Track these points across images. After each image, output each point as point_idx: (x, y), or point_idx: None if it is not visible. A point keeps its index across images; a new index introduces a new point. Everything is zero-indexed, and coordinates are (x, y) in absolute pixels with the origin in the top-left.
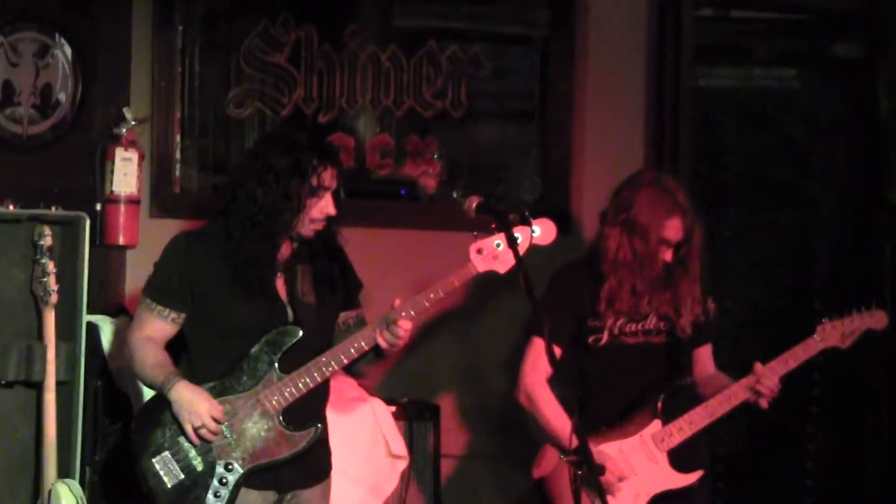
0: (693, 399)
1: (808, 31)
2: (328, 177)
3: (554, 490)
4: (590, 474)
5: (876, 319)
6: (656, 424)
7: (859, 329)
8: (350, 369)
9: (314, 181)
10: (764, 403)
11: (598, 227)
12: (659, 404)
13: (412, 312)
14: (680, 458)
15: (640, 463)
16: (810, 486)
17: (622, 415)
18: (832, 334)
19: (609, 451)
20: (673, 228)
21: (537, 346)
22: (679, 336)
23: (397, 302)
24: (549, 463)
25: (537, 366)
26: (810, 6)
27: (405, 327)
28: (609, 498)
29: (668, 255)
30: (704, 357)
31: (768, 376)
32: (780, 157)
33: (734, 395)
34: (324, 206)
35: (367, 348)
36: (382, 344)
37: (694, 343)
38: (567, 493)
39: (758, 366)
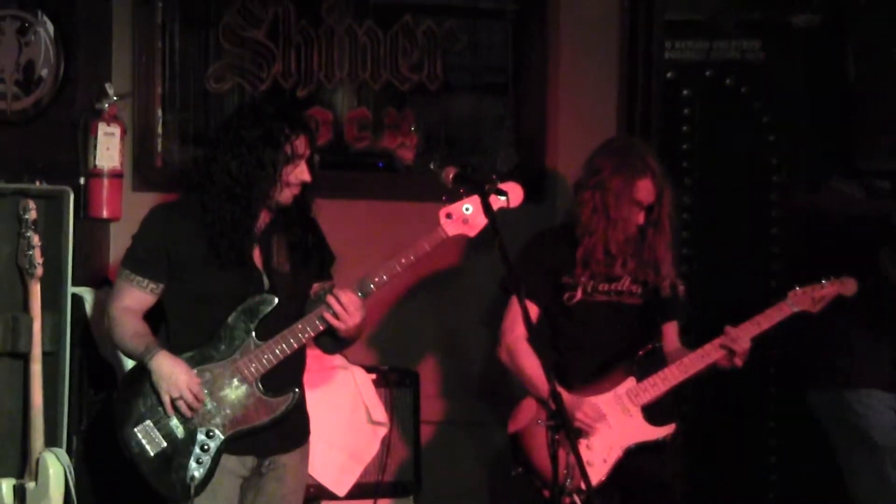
0: (664, 362)
1: (768, 3)
2: (300, 144)
3: (528, 442)
4: (568, 437)
5: (847, 286)
6: (631, 381)
7: (830, 294)
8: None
9: (287, 150)
10: (738, 361)
11: (571, 196)
12: (633, 363)
13: (384, 277)
14: (653, 412)
15: (613, 416)
16: (773, 463)
17: (596, 373)
18: (803, 299)
19: (582, 406)
20: (644, 189)
21: (516, 304)
22: (654, 299)
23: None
24: (525, 417)
25: (517, 323)
26: None
27: (345, 299)
28: (584, 449)
29: (640, 218)
30: (671, 333)
31: (741, 336)
32: (744, 128)
33: (707, 354)
34: (299, 173)
35: (321, 326)
36: (332, 322)
37: (663, 317)
38: (542, 445)
39: (729, 328)
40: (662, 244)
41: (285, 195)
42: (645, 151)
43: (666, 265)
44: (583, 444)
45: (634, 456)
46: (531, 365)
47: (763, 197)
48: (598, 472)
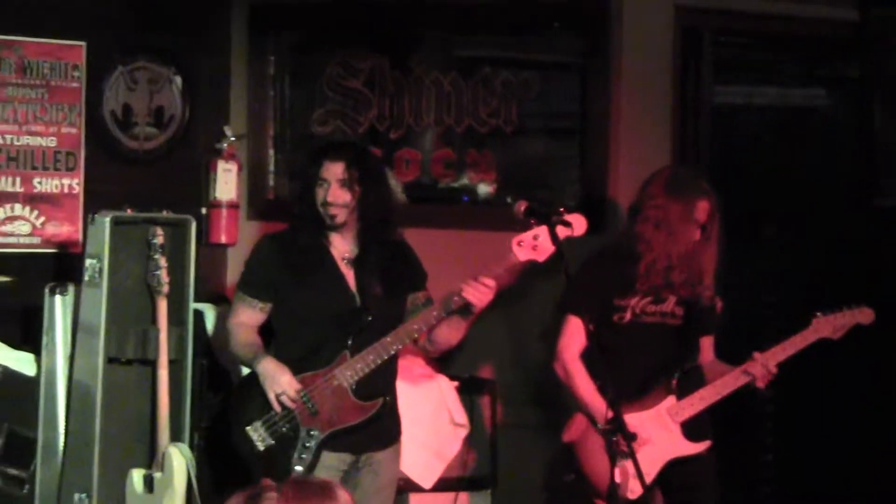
0: (700, 379)
1: (809, 51)
2: (327, 169)
3: (581, 452)
4: (624, 441)
5: (864, 315)
6: (672, 399)
7: (849, 323)
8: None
9: (317, 173)
10: (761, 384)
11: (627, 220)
12: (674, 382)
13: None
14: (691, 429)
15: (656, 432)
16: (769, 461)
17: (640, 390)
18: (825, 327)
19: (631, 421)
20: (702, 210)
21: (572, 322)
22: (694, 316)
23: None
24: (578, 429)
25: (572, 340)
26: (807, 30)
27: (488, 283)
28: (628, 462)
29: (696, 235)
30: (707, 346)
31: (768, 362)
32: (785, 167)
33: (737, 377)
34: (323, 193)
35: (426, 330)
36: (471, 298)
37: (701, 330)
38: (592, 455)
39: (756, 354)
40: (708, 256)
41: (330, 215)
42: (699, 175)
43: (708, 276)
44: (627, 462)
45: (672, 466)
46: (583, 382)
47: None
48: (640, 486)
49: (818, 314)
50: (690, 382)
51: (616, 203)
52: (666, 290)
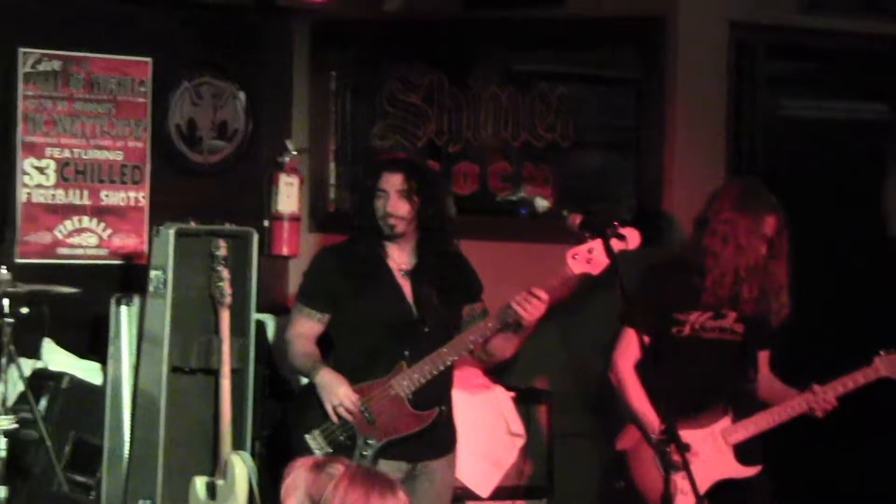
0: (754, 399)
1: (863, 66)
2: (386, 181)
3: (632, 462)
4: (676, 452)
5: None
6: (727, 420)
7: None
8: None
9: (376, 184)
10: (819, 413)
11: (692, 233)
12: (731, 402)
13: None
14: (743, 452)
15: (706, 452)
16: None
17: (696, 407)
18: (886, 366)
19: (684, 437)
20: (770, 224)
21: (628, 334)
22: (753, 332)
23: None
24: (631, 439)
25: (627, 351)
26: (861, 46)
27: (542, 296)
28: (679, 479)
29: (763, 249)
30: (762, 361)
31: (828, 395)
32: (840, 181)
33: (796, 406)
34: (382, 205)
35: (481, 342)
36: (522, 313)
37: (759, 345)
38: (643, 465)
39: (816, 386)
40: (781, 272)
41: (384, 226)
42: (766, 191)
43: (785, 292)
44: (677, 476)
45: (722, 489)
46: (636, 393)
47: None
48: (694, 499)
49: (881, 353)
50: (746, 403)
51: (671, 216)
52: (728, 306)
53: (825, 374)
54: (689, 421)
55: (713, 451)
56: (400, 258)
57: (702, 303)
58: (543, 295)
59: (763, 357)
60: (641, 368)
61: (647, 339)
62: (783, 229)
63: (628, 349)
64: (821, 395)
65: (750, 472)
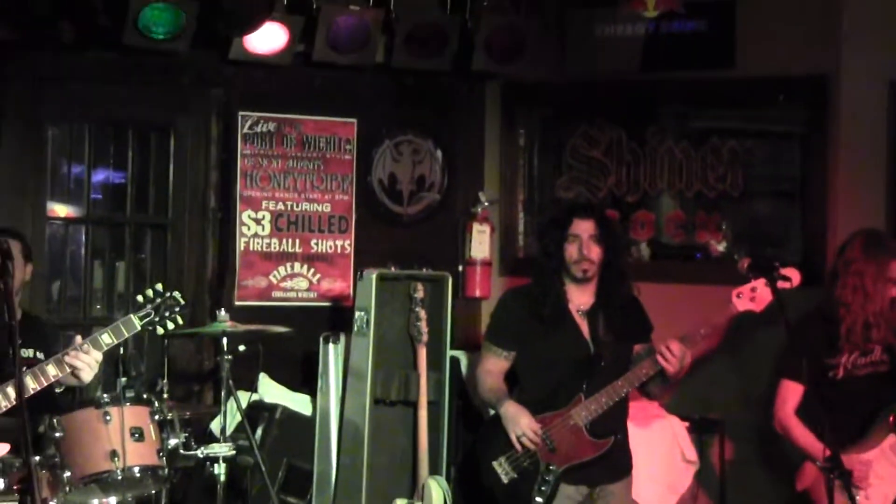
0: None
1: None
2: (578, 226)
3: (817, 498)
4: (841, 476)
5: None
6: (893, 437)
7: None
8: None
9: (566, 231)
10: None
11: (826, 286)
12: (892, 419)
13: (687, 344)
14: None
15: (882, 469)
16: None
17: (860, 433)
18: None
19: (855, 461)
20: (894, 268)
21: (785, 386)
22: None
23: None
24: (809, 477)
25: (786, 402)
26: None
27: (674, 347)
28: (863, 499)
29: (892, 292)
30: None
31: None
32: None
33: None
34: (577, 249)
35: (651, 372)
36: (664, 365)
37: None
38: (825, 499)
39: None
40: None
41: (574, 269)
42: (890, 238)
43: None
44: (862, 496)
45: None
46: (801, 432)
47: None
48: None
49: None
50: None
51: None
52: (869, 342)
53: None
54: (857, 445)
55: (889, 467)
56: (578, 299)
57: (844, 348)
58: (676, 348)
59: None
60: (802, 411)
61: (805, 386)
62: None
63: (787, 399)
64: None
65: None
